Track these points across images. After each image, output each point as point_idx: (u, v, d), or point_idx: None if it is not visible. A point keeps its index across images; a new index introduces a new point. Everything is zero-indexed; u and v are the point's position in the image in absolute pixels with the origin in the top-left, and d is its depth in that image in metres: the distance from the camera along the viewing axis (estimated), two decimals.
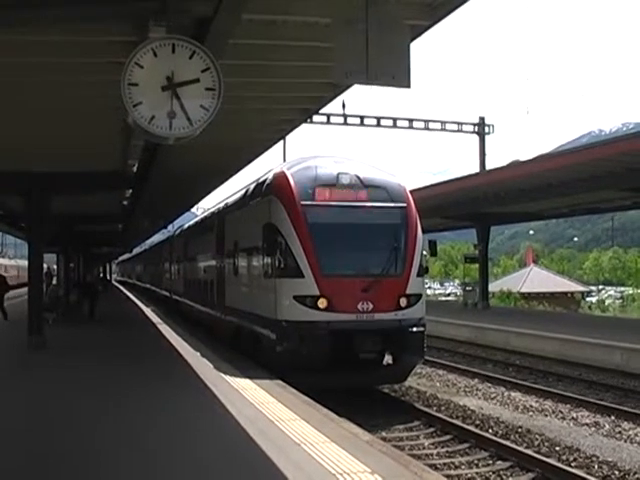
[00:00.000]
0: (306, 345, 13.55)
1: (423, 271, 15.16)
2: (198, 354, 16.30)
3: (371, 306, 13.86)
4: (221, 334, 19.95)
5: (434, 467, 10.21)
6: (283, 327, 13.93)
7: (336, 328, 13.62)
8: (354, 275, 14.22)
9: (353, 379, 14.28)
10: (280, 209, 14.40)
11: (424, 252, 15.43)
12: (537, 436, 12.50)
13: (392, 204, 14.94)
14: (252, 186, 17.66)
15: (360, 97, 42.60)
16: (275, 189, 14.96)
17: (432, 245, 16.36)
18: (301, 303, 13.78)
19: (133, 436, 8.69)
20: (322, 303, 13.72)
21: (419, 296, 14.70)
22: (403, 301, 14.25)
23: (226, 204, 21.24)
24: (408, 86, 7.14)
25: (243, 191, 18.94)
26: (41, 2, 6.58)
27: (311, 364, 13.54)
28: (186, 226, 32.44)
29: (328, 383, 13.45)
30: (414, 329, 14.33)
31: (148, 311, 32.89)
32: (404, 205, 15.02)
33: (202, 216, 28.72)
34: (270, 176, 15.85)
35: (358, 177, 14.85)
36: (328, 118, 36.25)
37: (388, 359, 14.96)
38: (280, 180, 14.95)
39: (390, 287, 14.26)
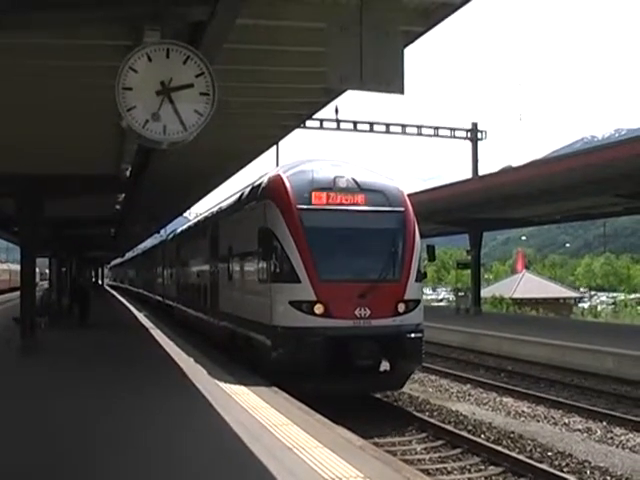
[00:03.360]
0: (302, 351, 13.31)
1: (421, 276, 14.98)
2: (191, 360, 16.25)
3: (368, 312, 13.64)
4: (215, 339, 19.73)
5: (426, 472, 10.21)
6: (278, 333, 13.67)
7: (333, 334, 13.37)
8: (351, 280, 14.00)
9: (349, 386, 14.01)
10: (276, 213, 14.18)
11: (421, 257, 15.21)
12: (529, 441, 12.53)
13: (390, 208, 14.75)
14: (247, 190, 17.44)
15: (353, 102, 42.72)
16: (271, 193, 14.75)
17: (430, 250, 16.13)
18: (297, 309, 13.55)
19: (127, 441, 8.67)
20: (319, 309, 13.49)
21: (417, 302, 14.50)
22: (401, 307, 14.05)
23: (220, 208, 20.98)
24: (402, 92, 7.15)
25: (238, 195, 18.72)
26: (37, 6, 6.58)
27: (307, 371, 13.30)
28: (179, 230, 32.27)
29: (324, 390, 13.18)
30: (412, 335, 14.12)
31: (141, 316, 32.82)
32: (402, 209, 14.85)
33: (195, 220, 28.51)
34: (265, 179, 15.65)
35: (355, 181, 14.65)
36: (321, 123, 36.29)
37: (385, 366, 14.69)
38: (276, 183, 14.74)
39: (388, 293, 14.04)
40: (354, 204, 14.52)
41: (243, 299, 16.46)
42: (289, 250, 13.74)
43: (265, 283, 14.38)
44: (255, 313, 14.98)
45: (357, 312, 13.58)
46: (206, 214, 24.74)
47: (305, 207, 14.15)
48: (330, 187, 14.46)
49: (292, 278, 13.68)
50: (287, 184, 14.37)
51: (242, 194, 17.94)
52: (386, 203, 14.75)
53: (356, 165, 15.74)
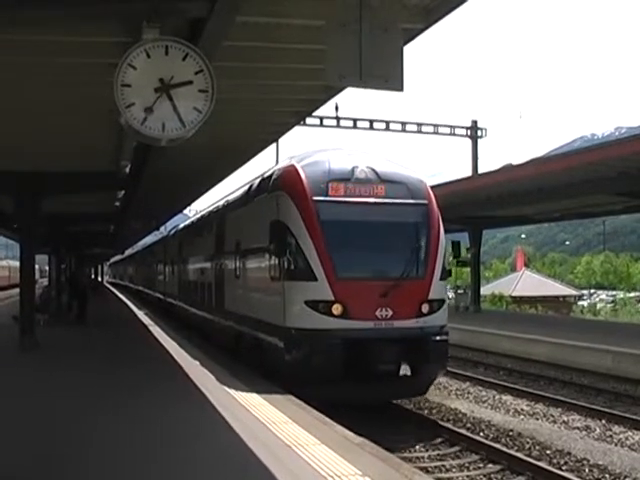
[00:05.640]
0: (318, 355, 12.34)
1: (446, 274, 14.17)
2: (190, 358, 16.19)
3: (390, 313, 12.70)
4: (219, 339, 19.05)
5: (425, 470, 10.23)
6: (292, 335, 12.70)
7: (352, 337, 12.44)
8: (372, 278, 13.15)
9: (370, 392, 13.07)
10: (290, 205, 13.20)
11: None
12: (528, 439, 12.52)
13: (412, 201, 13.78)
14: (257, 181, 16.39)
15: (353, 100, 42.66)
16: (284, 184, 13.76)
17: (455, 246, 14.96)
18: (313, 309, 12.61)
19: (123, 435, 8.66)
20: (337, 309, 12.55)
21: (442, 302, 13.58)
22: (425, 307, 13.12)
23: (226, 202, 20.05)
24: (401, 89, 7.15)
25: (246, 187, 17.66)
26: (37, 2, 6.57)
27: (323, 376, 12.36)
28: (181, 226, 31.62)
29: (341, 397, 12.33)
30: (437, 338, 13.21)
31: (141, 314, 32.73)
32: (425, 202, 13.90)
33: (199, 215, 27.48)
34: (278, 170, 14.71)
35: (375, 171, 13.67)
36: (321, 120, 36.24)
37: (405, 369, 13.69)
38: (289, 174, 13.78)
39: (411, 292, 13.09)
40: (374, 196, 13.54)
41: (252, 298, 15.58)
42: (304, 245, 12.79)
43: (278, 281, 13.37)
44: (266, 313, 14.06)
45: (378, 313, 12.68)
46: (211, 208, 23.70)
47: (321, 199, 13.17)
48: (348, 178, 13.49)
49: (308, 276, 12.72)
50: (302, 174, 13.41)
51: (251, 186, 16.91)
52: (408, 195, 13.79)
53: (374, 155, 14.76)
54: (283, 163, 14.89)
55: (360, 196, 13.48)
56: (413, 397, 14.88)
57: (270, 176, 14.98)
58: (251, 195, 16.43)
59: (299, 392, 11.46)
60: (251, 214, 16.21)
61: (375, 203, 13.55)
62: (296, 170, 13.62)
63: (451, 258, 14.88)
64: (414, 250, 13.60)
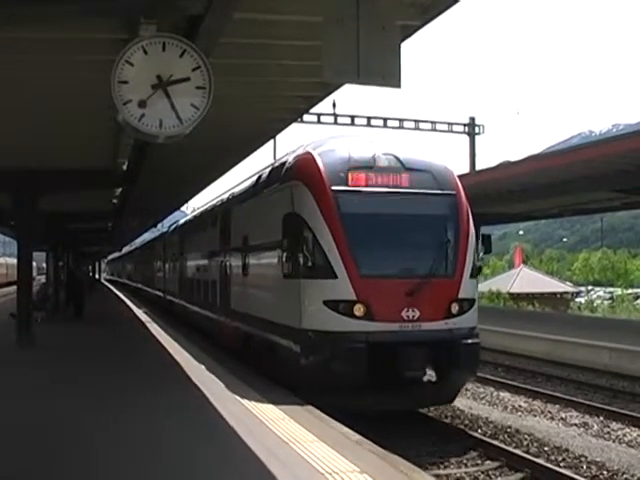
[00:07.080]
0: (338, 360, 11.40)
1: (477, 271, 13.25)
2: (190, 357, 16.16)
3: (417, 313, 11.73)
4: (224, 340, 18.29)
5: (423, 467, 10.22)
6: (309, 338, 11.75)
7: (376, 340, 11.49)
8: (397, 276, 12.16)
9: (392, 401, 12.14)
10: (306, 196, 12.21)
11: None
12: (526, 436, 12.55)
13: (440, 191, 12.74)
14: (267, 171, 15.40)
15: (351, 97, 42.62)
16: (300, 173, 12.77)
17: (486, 240, 13.72)
18: (333, 309, 11.65)
19: (117, 432, 8.66)
20: (359, 310, 11.57)
21: (472, 301, 12.57)
22: (455, 307, 12.11)
23: (232, 194, 18.99)
24: (398, 86, 7.14)
25: (254, 178, 16.60)
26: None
27: (344, 383, 11.48)
28: (183, 221, 31.00)
29: (362, 406, 11.50)
30: (468, 341, 12.21)
31: (139, 312, 32.65)
32: (453, 192, 12.85)
33: (202, 209, 26.32)
34: (292, 158, 13.65)
35: (398, 159, 12.64)
36: (318, 117, 36.22)
37: (430, 376, 12.83)
38: (306, 162, 12.78)
39: (440, 290, 12.16)
40: (397, 186, 12.52)
41: (263, 297, 14.65)
42: (323, 240, 11.78)
43: (293, 279, 12.35)
44: (279, 313, 13.08)
45: (404, 314, 11.70)
46: (214, 202, 22.56)
47: (341, 189, 12.19)
48: (370, 166, 12.47)
49: (327, 273, 11.72)
50: (319, 162, 12.42)
51: (260, 177, 15.88)
52: (435, 185, 12.74)
53: (397, 141, 13.84)
54: (298, 150, 13.87)
55: (383, 186, 12.51)
56: (440, 405, 13.87)
57: (283, 165, 14.06)
58: (261, 186, 15.43)
59: (316, 400, 10.68)
60: (261, 206, 15.18)
61: (399, 193, 12.56)
62: (313, 158, 12.68)
63: (482, 253, 13.55)
64: (442, 245, 12.60)
